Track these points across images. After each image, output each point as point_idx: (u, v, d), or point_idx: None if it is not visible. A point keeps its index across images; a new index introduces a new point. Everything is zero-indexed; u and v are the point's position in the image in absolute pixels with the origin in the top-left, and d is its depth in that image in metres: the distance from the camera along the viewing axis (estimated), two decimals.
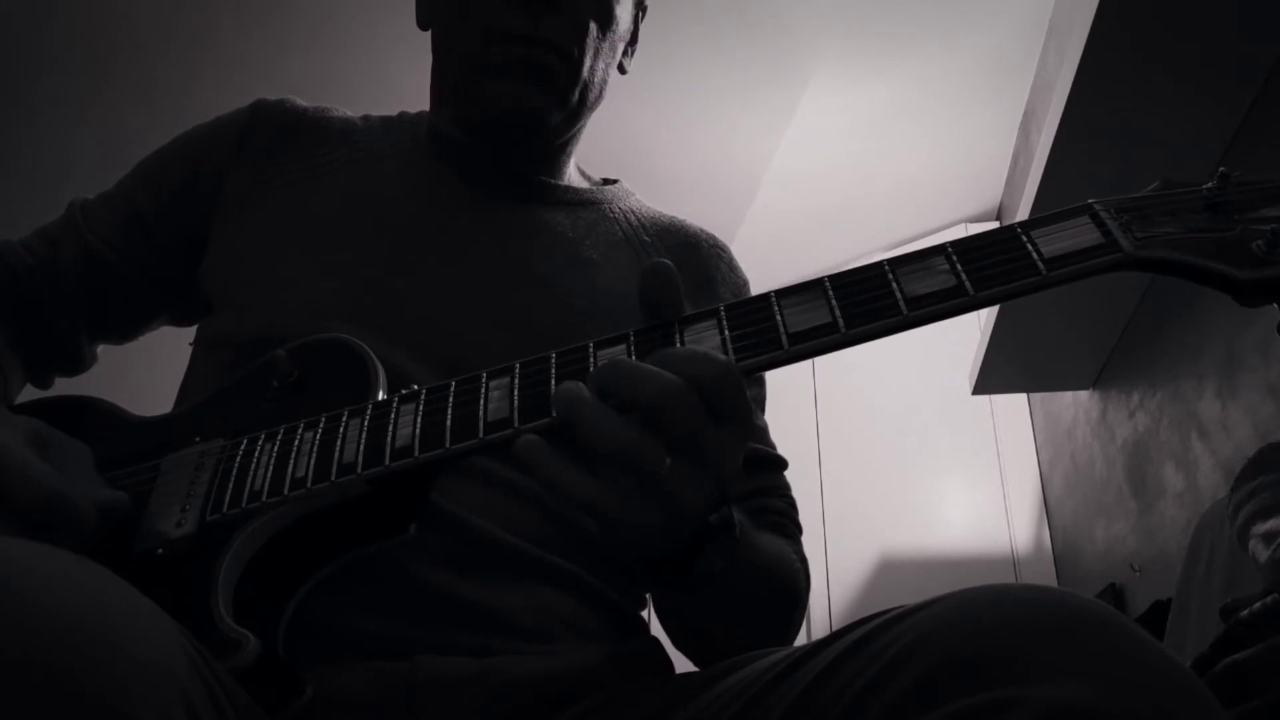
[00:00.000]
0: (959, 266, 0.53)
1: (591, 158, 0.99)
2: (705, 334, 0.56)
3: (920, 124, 2.91)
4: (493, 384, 0.58)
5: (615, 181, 0.97)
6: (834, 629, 0.54)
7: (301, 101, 0.92)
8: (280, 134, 0.88)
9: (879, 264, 0.55)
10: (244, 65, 2.56)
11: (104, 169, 1.02)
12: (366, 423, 0.61)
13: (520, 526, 0.70)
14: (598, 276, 0.83)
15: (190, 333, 0.87)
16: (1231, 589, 0.99)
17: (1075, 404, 2.62)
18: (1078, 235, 0.53)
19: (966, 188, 3.21)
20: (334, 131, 0.90)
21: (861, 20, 2.54)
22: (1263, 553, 0.90)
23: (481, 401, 0.58)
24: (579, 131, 0.90)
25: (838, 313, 0.54)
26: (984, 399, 2.94)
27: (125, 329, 0.92)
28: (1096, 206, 0.54)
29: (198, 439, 0.68)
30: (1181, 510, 1.92)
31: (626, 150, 2.83)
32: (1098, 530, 2.45)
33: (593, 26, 0.83)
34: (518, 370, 0.58)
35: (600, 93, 0.87)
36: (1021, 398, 3.07)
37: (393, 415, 0.60)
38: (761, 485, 0.83)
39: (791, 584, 0.76)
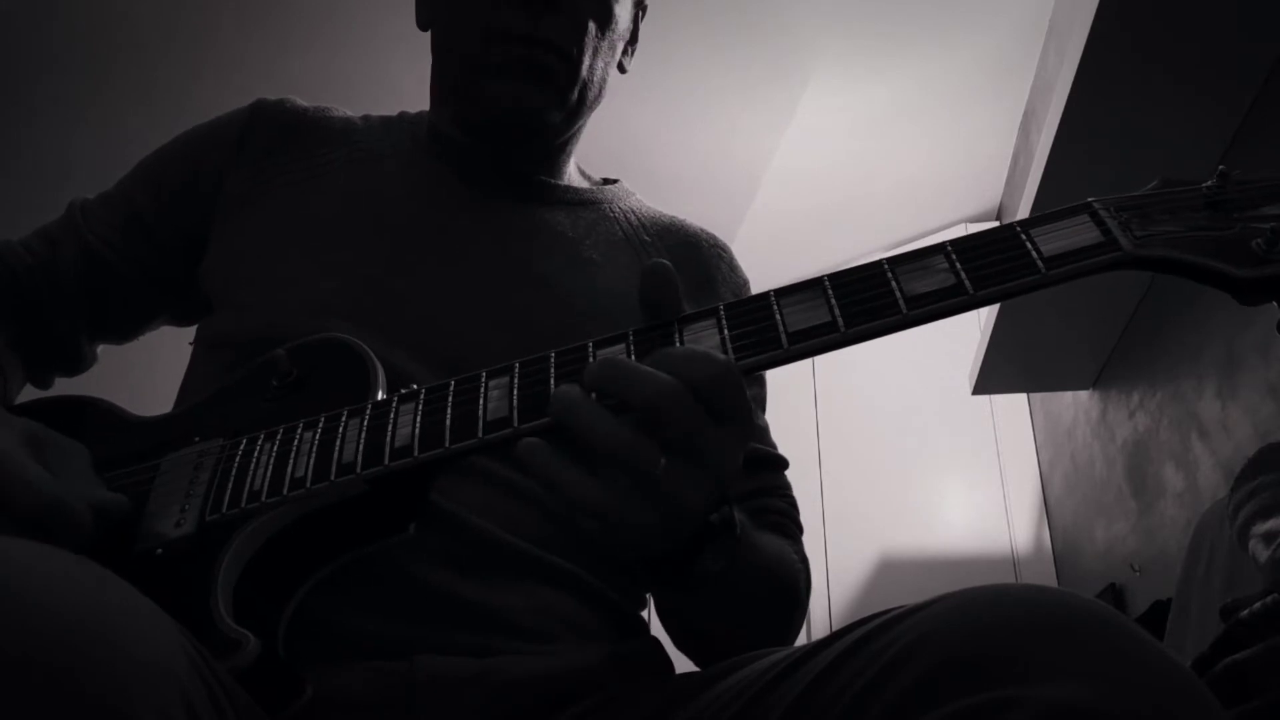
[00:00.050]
0: (958, 265, 0.53)
1: (591, 157, 0.99)
2: (705, 333, 0.56)
3: (920, 124, 2.91)
4: (492, 384, 0.58)
5: (615, 181, 0.97)
6: (834, 629, 0.54)
7: (301, 101, 0.92)
8: (280, 134, 0.88)
9: (878, 263, 0.55)
10: (244, 65, 2.56)
11: (104, 169, 1.02)
12: (366, 422, 0.61)
13: (520, 526, 0.70)
14: (598, 276, 0.83)
15: (190, 333, 0.87)
16: (1231, 589, 0.99)
17: (1075, 404, 2.62)
18: (1077, 234, 0.53)
19: (966, 188, 3.21)
20: (334, 131, 0.90)
21: (861, 20, 2.54)
22: (1263, 553, 0.90)
23: (481, 401, 0.58)
24: (579, 131, 0.90)
25: (837, 312, 0.54)
26: (984, 399, 2.94)
27: (125, 329, 0.92)
28: (1096, 205, 0.54)
29: (197, 439, 0.68)
30: (1181, 510, 1.92)
31: (626, 150, 2.83)
32: (1098, 530, 2.45)
33: (592, 26, 0.82)
34: (517, 370, 0.58)
35: (600, 92, 0.87)
36: (1021, 398, 3.07)
37: (392, 415, 0.60)
38: (762, 485, 0.83)
39: (792, 584, 0.76)
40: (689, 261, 0.89)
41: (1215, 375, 1.76)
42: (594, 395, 0.51)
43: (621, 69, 0.92)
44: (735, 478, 0.54)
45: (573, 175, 0.93)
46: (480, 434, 0.57)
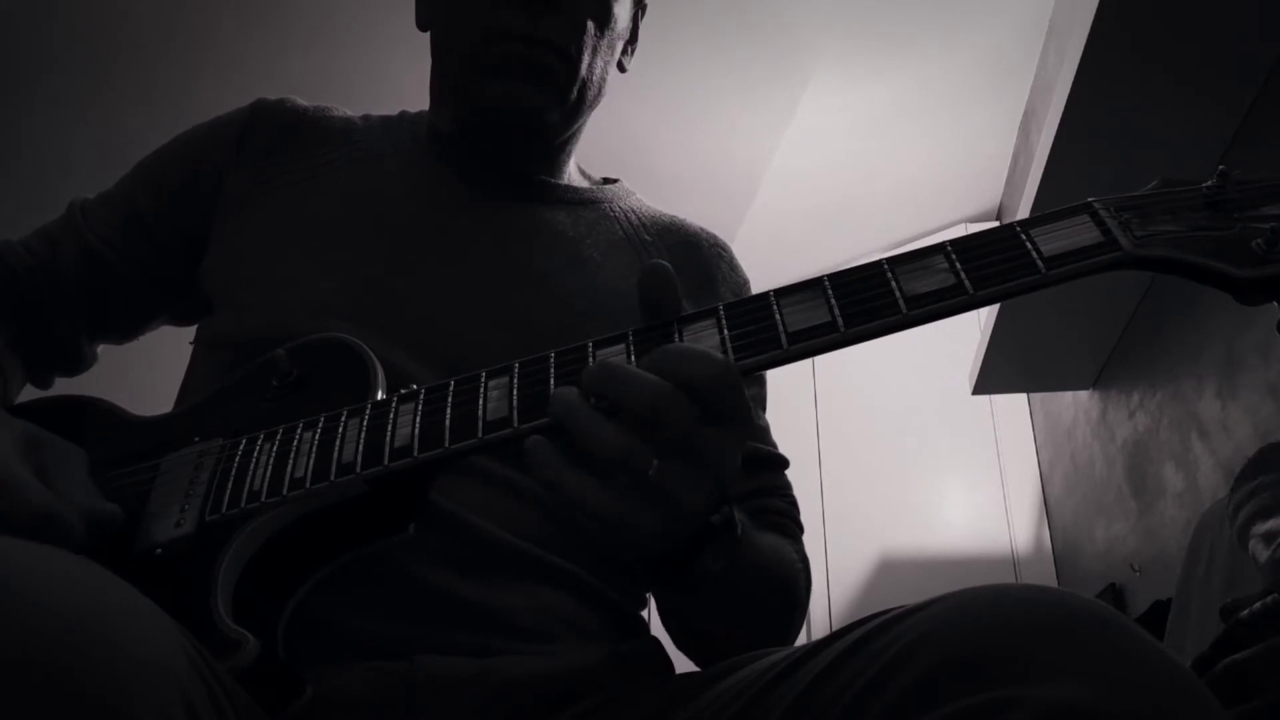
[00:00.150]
0: (958, 265, 0.53)
1: (591, 157, 0.99)
2: (704, 333, 0.56)
3: (920, 124, 2.91)
4: (492, 384, 0.58)
5: (615, 181, 0.97)
6: (834, 629, 0.54)
7: (301, 101, 0.92)
8: (280, 133, 0.88)
9: (878, 263, 0.55)
10: (244, 65, 2.56)
11: (104, 169, 1.02)
12: (365, 422, 0.61)
13: (520, 526, 0.70)
14: (598, 276, 0.83)
15: (190, 333, 0.87)
16: (1231, 589, 0.99)
17: (1075, 404, 2.62)
18: (1077, 234, 0.53)
19: (966, 188, 3.21)
20: (334, 131, 0.90)
21: (861, 20, 2.54)
22: (1263, 553, 0.90)
23: (480, 401, 0.58)
24: (579, 130, 0.90)
25: (837, 312, 0.54)
26: (984, 399, 2.94)
27: (125, 329, 0.92)
28: (1096, 205, 0.54)
29: (197, 439, 0.68)
30: (1181, 510, 1.92)
31: (626, 149, 2.83)
32: (1098, 530, 2.45)
33: (591, 25, 0.82)
34: (517, 370, 0.58)
35: (599, 91, 0.87)
36: (1021, 398, 3.07)
37: (392, 415, 0.60)
38: (762, 485, 0.83)
39: (792, 584, 0.76)
40: (689, 261, 0.89)
41: (1215, 375, 1.76)
42: (592, 398, 0.52)
43: (621, 68, 0.92)
44: (734, 477, 0.54)
45: (573, 175, 0.93)
46: (480, 434, 0.57)
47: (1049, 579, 2.77)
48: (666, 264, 0.57)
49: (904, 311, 0.53)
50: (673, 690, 0.61)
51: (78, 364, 0.91)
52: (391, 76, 2.32)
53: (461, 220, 0.83)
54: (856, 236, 3.39)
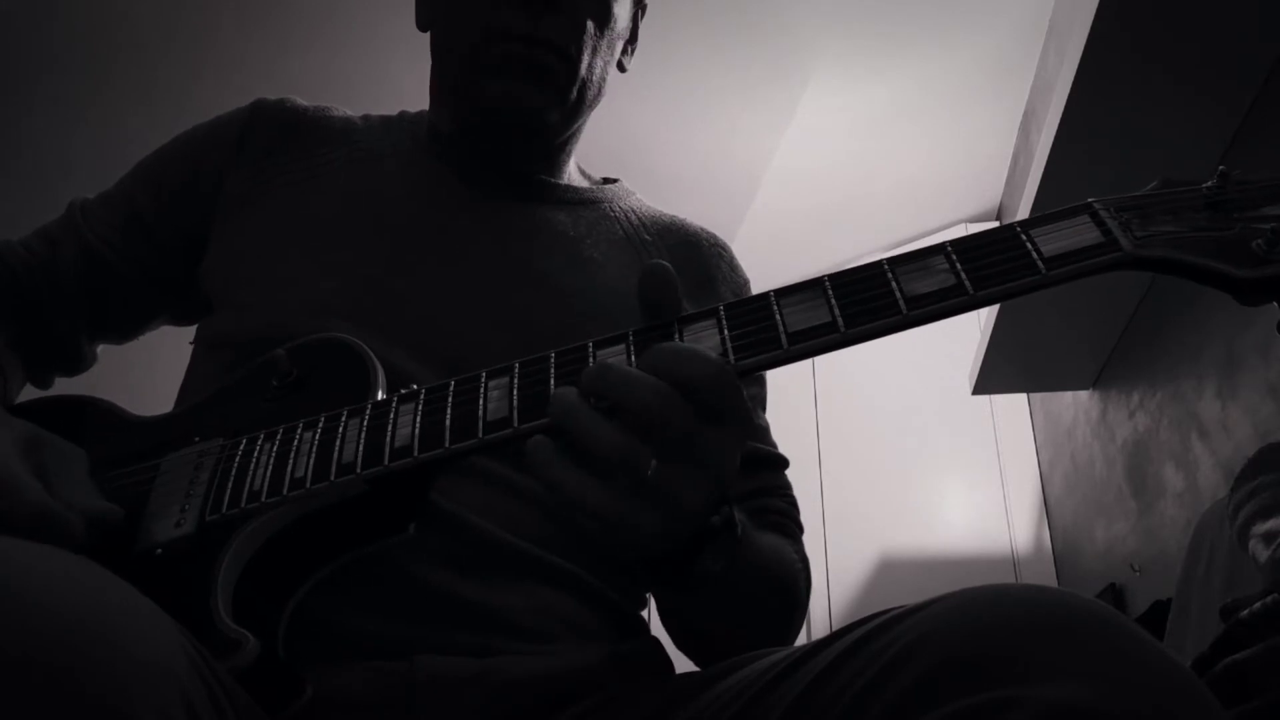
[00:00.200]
0: (958, 266, 0.53)
1: (591, 157, 0.99)
2: (704, 333, 0.56)
3: (920, 124, 2.91)
4: (492, 384, 0.58)
5: (615, 181, 0.97)
6: (834, 629, 0.54)
7: (301, 101, 0.92)
8: (280, 133, 0.88)
9: (878, 263, 0.55)
10: (244, 65, 2.56)
11: (104, 169, 1.02)
12: (366, 422, 0.61)
13: (520, 526, 0.70)
14: (598, 276, 0.83)
15: (190, 333, 0.87)
16: (1231, 589, 0.99)
17: (1075, 404, 2.62)
18: (1077, 234, 0.53)
19: (966, 188, 3.21)
20: (334, 131, 0.90)
21: (861, 20, 2.54)
22: (1263, 553, 0.90)
23: (481, 401, 0.58)
24: (579, 130, 0.90)
25: (837, 312, 0.54)
26: (984, 399, 2.94)
27: (125, 329, 0.92)
28: (1096, 205, 0.54)
29: (197, 439, 0.68)
30: (1181, 510, 1.92)
31: (626, 149, 2.83)
32: (1098, 530, 2.45)
33: (590, 25, 0.82)
34: (517, 370, 0.58)
35: (599, 91, 0.87)
36: (1021, 398, 3.07)
37: (392, 415, 0.60)
38: (763, 484, 0.83)
39: (792, 584, 0.76)
40: (689, 261, 0.89)
41: (1215, 375, 1.76)
42: (591, 398, 0.52)
43: (621, 68, 0.92)
44: (734, 478, 0.54)
45: (573, 174, 0.93)
46: (480, 434, 0.57)
47: (1049, 579, 2.76)
48: (667, 264, 0.57)
49: (904, 312, 0.53)
50: (673, 690, 0.61)
51: (78, 364, 0.91)
52: (391, 76, 2.32)
53: (461, 220, 0.83)
54: (856, 236, 3.39)
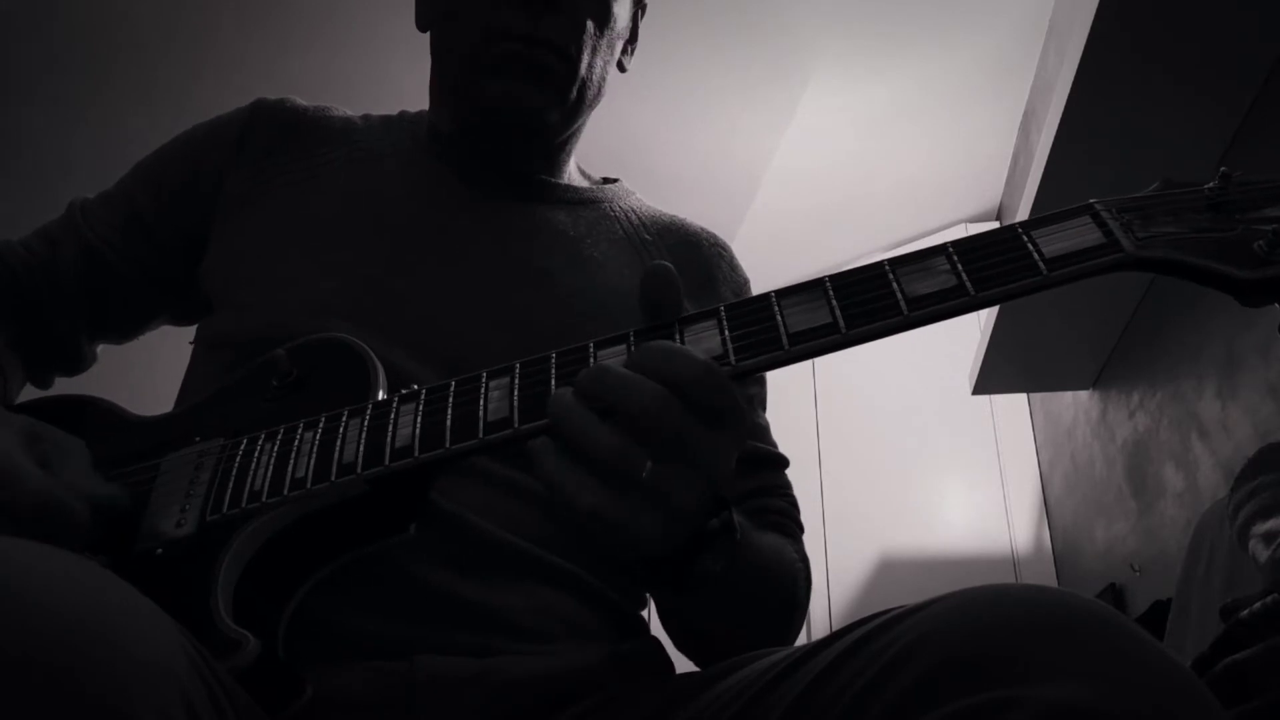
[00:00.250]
0: (960, 266, 0.53)
1: (591, 156, 0.99)
2: (705, 334, 0.56)
3: (920, 124, 2.91)
4: (493, 384, 0.58)
5: (615, 180, 0.97)
6: (834, 629, 0.53)
7: (301, 101, 0.92)
8: (280, 133, 0.88)
9: (879, 264, 0.55)
10: (244, 65, 2.56)
11: (104, 169, 1.02)
12: (366, 423, 0.61)
13: (520, 526, 0.70)
14: (598, 275, 0.83)
15: (190, 333, 0.87)
16: (1231, 589, 0.99)
17: (1075, 404, 2.62)
18: (1079, 235, 0.53)
19: (966, 188, 3.21)
20: (334, 131, 0.90)
21: (861, 20, 2.54)
22: (1263, 553, 0.90)
23: (481, 401, 0.58)
24: (578, 130, 0.90)
25: (838, 313, 0.54)
26: (984, 399, 2.94)
27: (125, 329, 0.92)
28: (1098, 206, 0.54)
29: (197, 438, 0.68)
30: (1181, 510, 1.92)
31: (626, 149, 2.83)
32: (1098, 530, 2.45)
33: (590, 25, 0.82)
34: (518, 370, 0.58)
35: (599, 90, 0.87)
36: (1021, 398, 3.07)
37: (392, 415, 0.60)
38: (763, 484, 0.83)
39: (792, 584, 0.76)
40: (689, 261, 0.89)
41: (1215, 375, 1.76)
42: (587, 400, 0.52)
43: (621, 68, 0.92)
44: (729, 478, 0.54)
45: (573, 174, 0.93)
46: (481, 434, 0.57)
47: (1049, 579, 2.76)
48: (669, 265, 0.57)
49: (905, 313, 0.53)
50: (673, 690, 0.61)
51: (78, 364, 0.91)
52: (391, 76, 2.32)
53: (461, 220, 0.83)
54: (856, 236, 3.39)
